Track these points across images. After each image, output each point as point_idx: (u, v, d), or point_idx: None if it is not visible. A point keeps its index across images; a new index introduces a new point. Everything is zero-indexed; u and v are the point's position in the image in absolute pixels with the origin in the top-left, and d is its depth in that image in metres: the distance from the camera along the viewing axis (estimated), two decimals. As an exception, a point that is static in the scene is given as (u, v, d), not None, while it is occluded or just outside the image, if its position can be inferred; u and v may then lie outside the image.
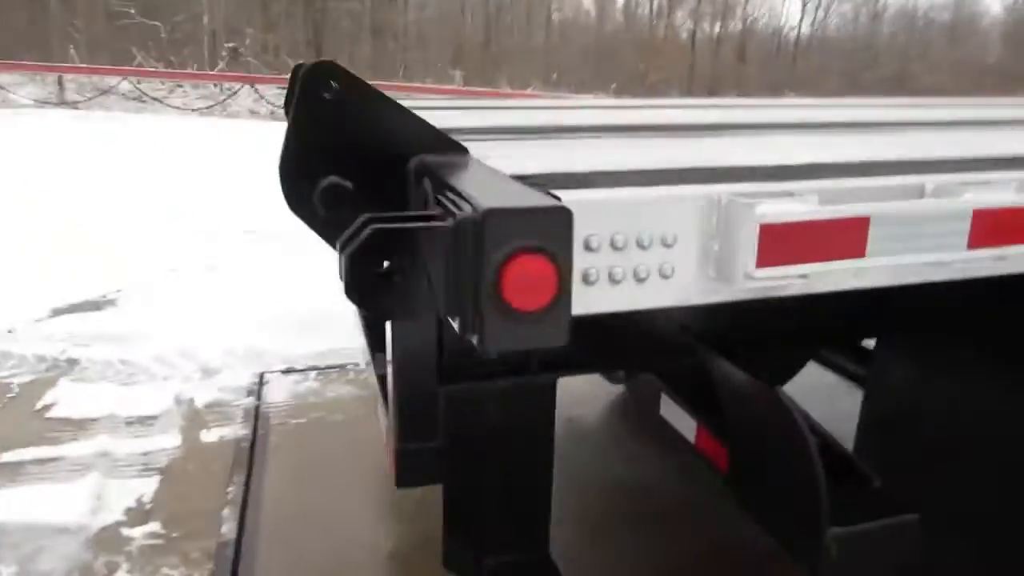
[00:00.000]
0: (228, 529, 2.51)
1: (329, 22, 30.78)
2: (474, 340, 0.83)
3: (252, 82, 21.70)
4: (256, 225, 6.71)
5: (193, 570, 2.34)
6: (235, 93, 21.62)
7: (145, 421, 3.30)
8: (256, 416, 3.36)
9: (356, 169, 1.11)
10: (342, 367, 3.95)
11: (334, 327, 4.39)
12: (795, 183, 0.98)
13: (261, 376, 3.79)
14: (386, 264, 0.83)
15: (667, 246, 0.91)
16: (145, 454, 2.99)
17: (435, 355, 1.60)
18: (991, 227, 1.01)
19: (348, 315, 4.54)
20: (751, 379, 1.20)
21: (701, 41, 41.41)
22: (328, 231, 1.15)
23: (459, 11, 39.02)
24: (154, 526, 2.55)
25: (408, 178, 1.13)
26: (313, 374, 3.85)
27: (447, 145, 1.13)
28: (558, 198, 0.85)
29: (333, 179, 1.11)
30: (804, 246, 0.92)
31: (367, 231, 0.80)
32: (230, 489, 2.75)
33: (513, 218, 0.79)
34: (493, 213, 0.78)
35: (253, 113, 21.08)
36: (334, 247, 1.25)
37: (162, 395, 3.53)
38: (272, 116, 19.87)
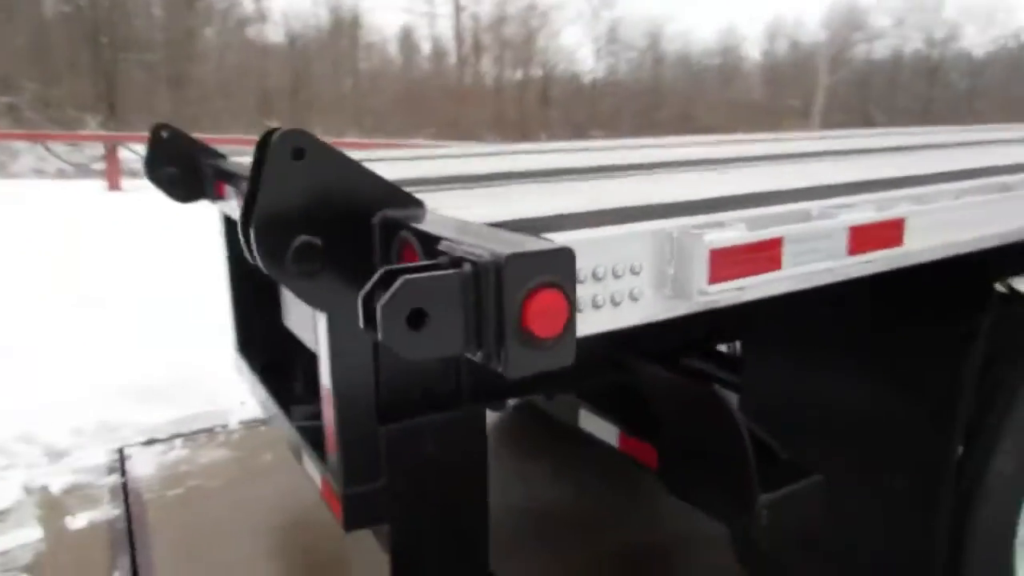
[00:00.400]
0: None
1: (122, 73, 28.78)
2: (498, 367, 0.94)
3: (35, 139, 19.74)
4: (66, 295, 6.17)
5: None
6: (15, 151, 19.56)
7: (-8, 518, 2.96)
8: (126, 493, 3.13)
9: (325, 227, 1.18)
10: (209, 431, 3.76)
11: (184, 393, 4.19)
12: (721, 214, 1.19)
13: (121, 451, 3.52)
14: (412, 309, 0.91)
15: (635, 273, 1.08)
16: (3, 553, 2.68)
17: (373, 396, 1.67)
18: (861, 239, 1.28)
19: (197, 380, 4.35)
20: (688, 380, 1.39)
21: (506, 86, 43.45)
22: (301, 286, 1.21)
23: (263, 60, 38.09)
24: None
25: (373, 232, 1.21)
26: (179, 442, 3.63)
27: (405, 200, 1.23)
28: (551, 241, 0.98)
29: (304, 237, 1.17)
30: (740, 264, 1.13)
31: (399, 282, 0.89)
32: (116, 574, 2.55)
33: (529, 259, 0.92)
34: (514, 257, 0.90)
35: (38, 172, 19.17)
36: (310, 302, 1.31)
37: (5, 486, 3.17)
38: (61, 174, 18.22)
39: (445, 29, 42.11)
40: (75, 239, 8.90)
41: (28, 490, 3.15)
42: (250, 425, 3.84)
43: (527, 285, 0.91)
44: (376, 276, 0.94)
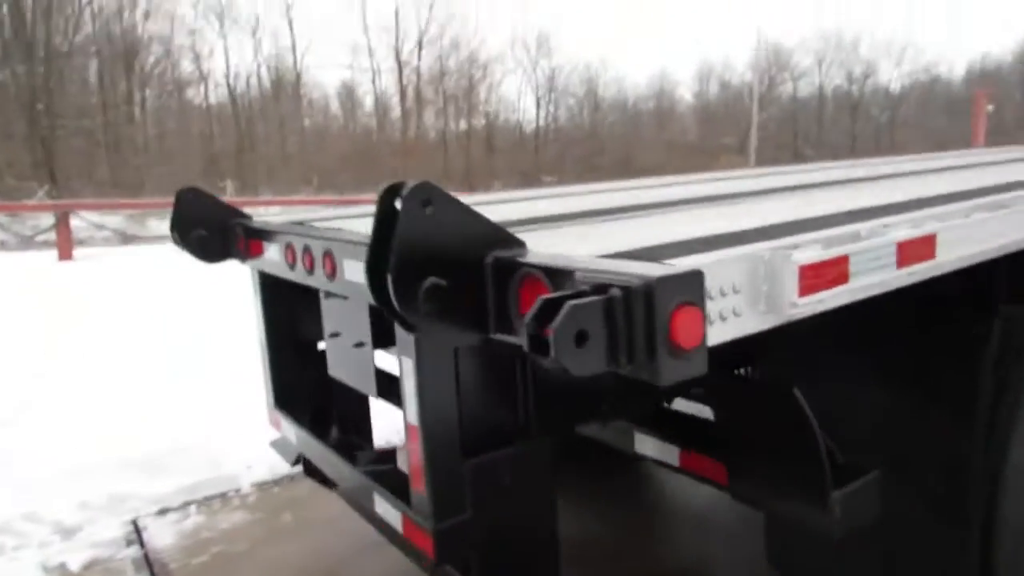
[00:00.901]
0: None
1: (60, 140, 28.27)
2: (649, 378, 1.06)
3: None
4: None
5: None
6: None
7: (13, 600, 2.89)
8: (149, 565, 3.08)
9: (449, 269, 1.30)
10: (223, 496, 3.73)
11: (183, 461, 4.14)
12: (794, 238, 1.35)
13: (135, 522, 3.46)
14: (577, 332, 1.03)
15: (736, 292, 1.22)
16: (38, 633, 2.62)
17: (457, 432, 1.76)
18: (907, 253, 1.46)
19: (195, 447, 4.30)
20: (769, 387, 1.52)
21: (450, 138, 44.15)
22: (428, 324, 1.31)
23: (205, 122, 37.92)
24: None
25: (484, 271, 1.33)
26: (193, 508, 3.59)
27: (511, 241, 1.36)
28: (684, 265, 1.12)
29: (433, 279, 1.28)
30: (820, 279, 1.28)
31: (566, 308, 1.01)
32: (160, 643, 2.53)
33: (674, 281, 1.05)
34: (662, 279, 1.04)
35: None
36: (437, 341, 1.41)
37: (21, 567, 3.09)
38: (3, 246, 17.67)
39: (387, 84, 42.68)
40: (40, 309, 8.68)
41: (46, 569, 3.08)
42: (263, 487, 3.82)
43: (673, 303, 1.04)
44: (536, 306, 1.05)
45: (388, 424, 2.82)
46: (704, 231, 1.52)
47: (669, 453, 1.93)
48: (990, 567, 1.98)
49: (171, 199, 2.59)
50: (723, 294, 1.20)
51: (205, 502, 3.66)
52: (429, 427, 1.70)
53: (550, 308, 1.04)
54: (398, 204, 1.30)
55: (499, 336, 1.34)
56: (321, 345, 2.71)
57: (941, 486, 1.93)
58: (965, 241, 1.64)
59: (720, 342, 1.18)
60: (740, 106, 52.98)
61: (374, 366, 2.12)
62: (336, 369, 2.36)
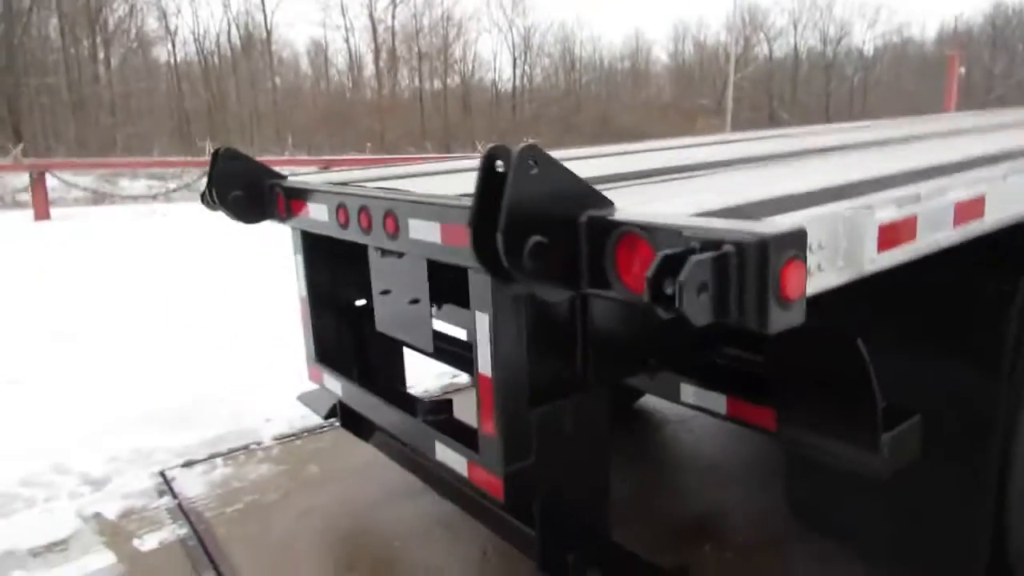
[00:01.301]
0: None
1: (25, 98, 27.40)
2: (758, 327, 1.16)
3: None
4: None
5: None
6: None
7: (55, 548, 2.95)
8: (185, 513, 3.16)
9: (551, 227, 1.37)
10: (246, 448, 3.81)
11: (203, 415, 4.21)
12: (866, 198, 1.45)
13: (163, 474, 3.54)
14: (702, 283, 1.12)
15: (822, 248, 1.31)
16: (85, 581, 2.70)
17: (526, 383, 1.85)
18: (962, 213, 1.56)
19: (212, 401, 4.37)
20: (829, 334, 1.64)
21: (426, 98, 43.57)
22: (531, 279, 1.40)
23: (174, 82, 36.96)
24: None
25: (579, 230, 1.41)
26: (219, 461, 3.67)
27: (603, 201, 1.44)
28: (791, 223, 1.21)
29: (537, 238, 1.36)
30: (893, 236, 1.38)
31: (690, 262, 1.10)
32: (209, 588, 2.63)
33: (784, 238, 1.14)
34: (775, 237, 1.13)
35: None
36: (534, 290, 1.50)
37: (58, 517, 3.15)
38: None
39: (360, 42, 41.82)
40: (27, 270, 8.58)
41: (83, 518, 3.15)
42: (284, 440, 3.91)
43: (784, 258, 1.13)
44: (657, 261, 1.14)
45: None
46: (779, 191, 1.61)
47: (716, 401, 2.05)
48: (1003, 505, 2.14)
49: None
50: (811, 249, 1.30)
51: (230, 454, 3.74)
52: (501, 377, 1.79)
53: (672, 263, 1.13)
54: (498, 167, 1.37)
55: (591, 291, 1.43)
56: (360, 302, 2.79)
57: (964, 432, 2.08)
58: (1008, 202, 1.76)
59: (814, 293, 1.28)
60: (715, 66, 52.91)
61: (431, 322, 2.20)
62: (386, 325, 2.44)
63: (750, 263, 1.14)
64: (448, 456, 2.04)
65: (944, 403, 1.91)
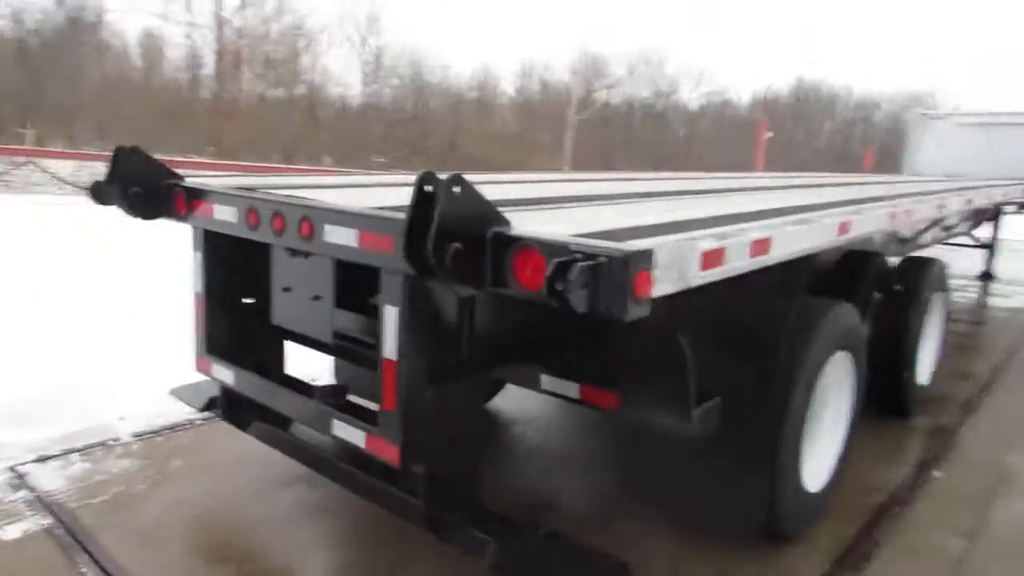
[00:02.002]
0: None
1: None
2: (619, 316, 1.61)
3: None
4: None
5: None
6: None
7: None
8: (46, 505, 3.16)
9: (467, 238, 1.77)
10: (103, 444, 3.81)
11: (49, 413, 4.13)
12: (692, 232, 1.97)
13: (13, 468, 3.47)
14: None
15: (662, 265, 1.80)
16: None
17: (425, 366, 2.22)
18: (756, 248, 2.14)
19: (60, 399, 4.30)
20: (659, 331, 2.14)
21: (269, 105, 42.15)
22: (449, 277, 1.78)
23: (-21, 57, 33.19)
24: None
25: (486, 242, 1.81)
26: (76, 456, 3.65)
27: (502, 220, 1.85)
28: (642, 244, 1.68)
29: (456, 245, 1.75)
30: (711, 261, 1.91)
31: (576, 269, 1.53)
32: (83, 570, 2.71)
33: (639, 255, 1.61)
34: (633, 253, 1.59)
35: None
36: (457, 291, 1.88)
37: (-100, 510, 3.04)
38: None
39: (201, 40, 39.83)
40: None
41: (-69, 510, 3.06)
42: (144, 437, 3.93)
43: (639, 267, 1.60)
44: (553, 265, 1.57)
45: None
46: (635, 223, 2.12)
47: (570, 388, 2.52)
48: (775, 476, 2.77)
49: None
50: (658, 265, 1.79)
51: (86, 450, 3.72)
52: (405, 360, 2.14)
53: (563, 268, 1.56)
54: (428, 188, 1.75)
55: (492, 289, 1.83)
56: (248, 300, 3.00)
57: (748, 416, 2.68)
58: (787, 243, 2.37)
59: (656, 296, 1.77)
60: (558, 106, 55.77)
61: (332, 316, 2.50)
62: (283, 319, 2.70)
63: (616, 270, 1.59)
64: (346, 432, 2.34)
65: (738, 392, 2.49)
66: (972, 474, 3.97)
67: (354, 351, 2.67)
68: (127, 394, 4.42)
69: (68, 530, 2.98)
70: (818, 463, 3.22)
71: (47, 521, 3.04)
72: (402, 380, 2.14)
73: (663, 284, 1.79)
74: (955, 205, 5.05)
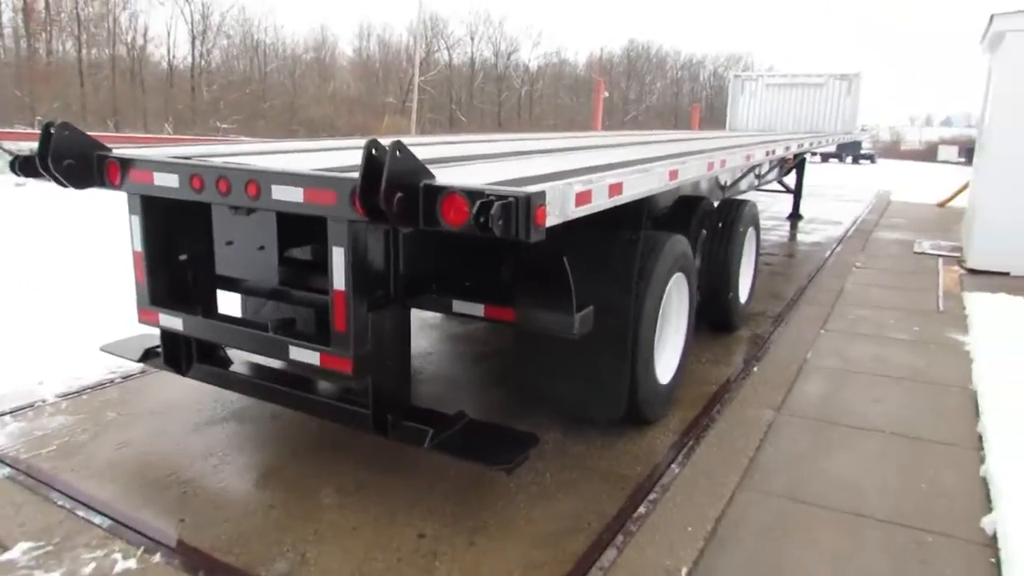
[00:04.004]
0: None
1: None
2: (524, 238, 2.28)
3: None
4: None
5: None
6: None
7: None
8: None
9: (407, 188, 2.36)
10: (31, 405, 4.03)
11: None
12: (572, 179, 2.66)
13: (-53, 433, 3.66)
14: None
15: (551, 202, 2.48)
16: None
17: (367, 294, 2.79)
18: (613, 190, 2.88)
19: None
20: (547, 254, 2.84)
21: (87, 68, 38.76)
22: (395, 220, 2.36)
23: None
24: None
25: (418, 192, 2.41)
26: (8, 419, 3.86)
27: (430, 174, 2.46)
28: (539, 187, 2.35)
29: (400, 194, 2.34)
30: (582, 199, 2.61)
31: (497, 206, 2.17)
32: (60, 503, 3.07)
33: (537, 195, 2.27)
34: (534, 194, 2.26)
35: None
36: (398, 228, 2.47)
37: None
38: None
39: (0, -2, 35.72)
40: None
41: None
42: (70, 396, 4.18)
43: (536, 204, 2.27)
44: (477, 205, 2.20)
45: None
46: (530, 173, 2.80)
47: (476, 309, 3.19)
48: (633, 368, 3.61)
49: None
50: (549, 203, 2.47)
51: (17, 412, 3.94)
52: (352, 291, 2.71)
53: (486, 206, 2.21)
54: (375, 152, 2.32)
55: (426, 227, 2.44)
56: (182, 256, 3.40)
57: (614, 320, 3.48)
58: (634, 188, 3.14)
59: (548, 225, 2.45)
60: (399, 67, 55.24)
61: (278, 262, 2.99)
62: (228, 268, 3.15)
63: (522, 206, 2.26)
64: (302, 355, 2.88)
65: (605, 302, 3.27)
66: (780, 367, 5.07)
67: (290, 293, 3.18)
68: (40, 361, 4.59)
69: (30, 475, 3.28)
70: (667, 362, 4.13)
71: (4, 472, 3.32)
72: (350, 306, 2.71)
73: (552, 217, 2.48)
74: (759, 156, 6.14)
